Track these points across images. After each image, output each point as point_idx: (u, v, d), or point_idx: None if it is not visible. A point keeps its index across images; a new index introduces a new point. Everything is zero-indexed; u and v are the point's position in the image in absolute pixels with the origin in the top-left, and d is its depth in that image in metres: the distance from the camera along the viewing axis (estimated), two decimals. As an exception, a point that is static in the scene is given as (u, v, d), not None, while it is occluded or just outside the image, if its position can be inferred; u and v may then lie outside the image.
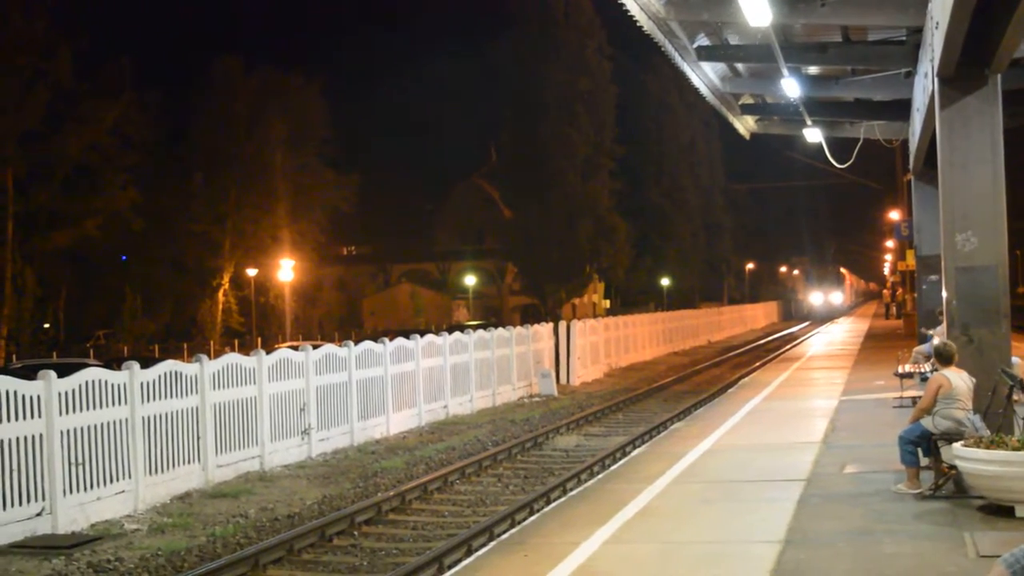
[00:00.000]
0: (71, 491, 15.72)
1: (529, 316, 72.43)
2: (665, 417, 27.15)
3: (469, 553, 13.26)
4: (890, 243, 79.60)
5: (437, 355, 28.65)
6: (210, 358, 19.94)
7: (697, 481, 14.47)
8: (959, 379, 12.29)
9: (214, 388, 19.34)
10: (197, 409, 18.82)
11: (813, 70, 27.54)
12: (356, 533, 15.44)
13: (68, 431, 15.81)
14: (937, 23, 14.56)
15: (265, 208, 71.48)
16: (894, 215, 57.85)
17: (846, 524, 11.34)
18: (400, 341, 27.10)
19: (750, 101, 33.45)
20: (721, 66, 28.30)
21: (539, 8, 70.54)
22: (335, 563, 14.00)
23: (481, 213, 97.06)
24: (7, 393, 14.90)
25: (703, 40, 25.45)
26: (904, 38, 22.65)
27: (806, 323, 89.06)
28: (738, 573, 9.86)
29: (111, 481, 16.57)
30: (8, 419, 14.84)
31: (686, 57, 25.89)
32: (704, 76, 28.26)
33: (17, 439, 14.95)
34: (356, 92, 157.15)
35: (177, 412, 18.31)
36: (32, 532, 14.89)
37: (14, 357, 49.21)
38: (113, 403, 16.83)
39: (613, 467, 17.56)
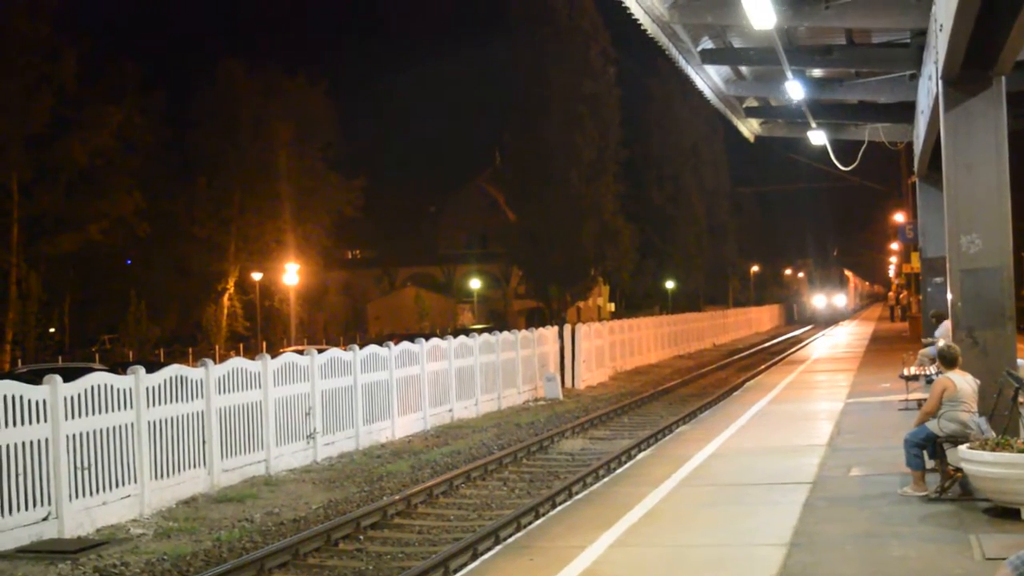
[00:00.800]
0: (77, 495, 15.74)
1: (534, 319, 72.43)
2: (670, 420, 27.14)
3: (475, 557, 13.27)
4: (895, 245, 79.48)
5: (442, 359, 28.66)
6: (215, 362, 19.94)
7: (703, 484, 14.47)
8: (963, 381, 12.28)
9: (219, 392, 19.35)
10: (202, 413, 18.83)
11: (817, 72, 27.55)
12: (362, 537, 15.45)
13: (74, 435, 15.83)
14: (941, 25, 14.57)
15: (269, 212, 71.46)
16: (899, 217, 57.76)
17: (852, 527, 11.34)
18: (405, 345, 27.11)
19: (754, 104, 33.47)
20: (725, 69, 28.33)
21: (543, 11, 70.49)
22: (341, 567, 14.01)
23: (486, 216, 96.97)
24: (13, 398, 14.93)
25: (707, 43, 25.48)
26: (908, 40, 22.67)
27: (808, 327, 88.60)
28: (744, 576, 9.87)
29: (117, 486, 16.59)
30: (14, 423, 14.86)
31: (690, 60, 25.91)
32: (708, 79, 28.28)
33: (23, 444, 14.97)
34: (360, 95, 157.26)
35: (182, 416, 18.32)
36: (38, 536, 14.91)
37: (19, 362, 49.27)
38: (119, 408, 16.85)
39: (618, 471, 17.56)
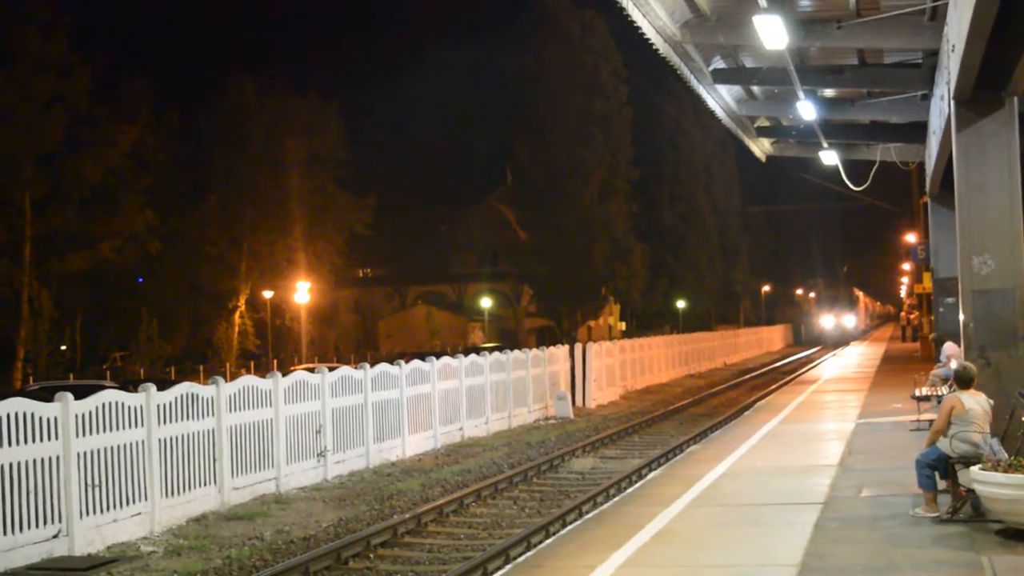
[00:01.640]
0: (88, 513, 15.74)
1: (545, 338, 72.32)
2: (681, 440, 27.09)
3: (485, 576, 13.26)
4: (907, 266, 79.37)
5: (453, 377, 28.64)
6: (226, 380, 19.94)
7: (713, 504, 14.43)
8: (974, 402, 12.22)
9: (230, 410, 19.35)
10: (213, 431, 18.83)
11: (829, 92, 27.59)
12: (372, 556, 15.43)
13: (85, 453, 15.84)
14: (953, 46, 14.58)
15: (281, 230, 71.54)
16: (911, 238, 57.76)
17: (863, 548, 11.31)
18: (416, 363, 27.10)
19: (766, 123, 33.53)
20: (737, 89, 28.39)
21: (555, 31, 70.65)
22: (351, 586, 13.99)
23: (497, 235, 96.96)
24: (24, 415, 14.95)
25: (719, 63, 25.54)
26: (920, 61, 22.70)
27: (816, 348, 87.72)
28: (755, 597, 9.84)
29: (127, 503, 16.59)
30: (25, 441, 14.88)
31: (702, 80, 25.97)
32: (720, 99, 28.33)
33: (34, 461, 14.99)
34: (372, 113, 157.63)
35: (193, 434, 18.32)
36: (49, 554, 14.90)
37: (31, 379, 49.33)
38: (130, 425, 16.86)
39: (629, 490, 17.53)
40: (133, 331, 64.69)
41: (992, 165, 14.74)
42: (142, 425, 17.10)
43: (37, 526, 14.89)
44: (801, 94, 24.77)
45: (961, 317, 15.52)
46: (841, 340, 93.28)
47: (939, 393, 20.29)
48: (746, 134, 33.60)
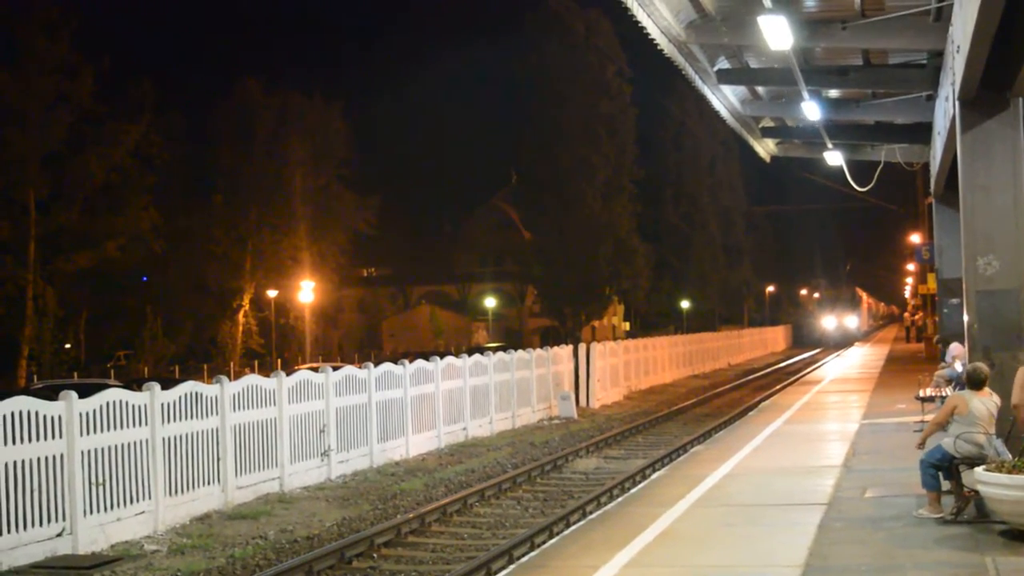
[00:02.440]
0: (92, 511, 15.76)
1: (549, 338, 72.35)
2: (685, 440, 27.07)
3: (489, 576, 13.26)
4: (911, 266, 79.30)
5: (457, 377, 28.64)
6: (230, 379, 19.96)
7: (717, 505, 14.43)
8: (979, 403, 12.17)
9: (234, 409, 19.36)
10: (217, 430, 18.84)
11: (834, 93, 27.58)
12: (375, 555, 15.43)
13: (89, 451, 15.86)
14: (958, 47, 14.57)
15: (285, 229, 71.60)
16: (915, 238, 57.70)
17: (867, 549, 11.30)
18: (420, 363, 27.11)
19: (770, 124, 33.51)
20: (741, 89, 28.38)
21: (560, 31, 70.62)
22: (354, 585, 13.99)
23: (501, 235, 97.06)
24: (29, 413, 14.96)
25: (723, 63, 25.54)
26: (925, 61, 22.69)
27: (817, 350, 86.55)
28: (758, 598, 9.84)
29: (131, 502, 16.60)
30: (30, 439, 14.90)
31: (706, 80, 25.96)
32: (724, 99, 28.33)
33: (38, 459, 15.00)
34: (376, 113, 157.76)
35: (197, 433, 18.33)
36: (53, 552, 14.92)
37: (35, 378, 49.35)
38: (134, 424, 16.87)
39: (633, 490, 17.52)
40: (137, 330, 64.78)
41: (997, 166, 14.73)
42: (146, 424, 17.11)
43: (41, 524, 14.90)
44: (806, 95, 24.76)
45: (966, 318, 15.51)
46: (843, 342, 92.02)
47: (943, 394, 20.27)
48: (750, 134, 33.59)
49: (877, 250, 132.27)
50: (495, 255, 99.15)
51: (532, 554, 12.98)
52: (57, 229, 55.96)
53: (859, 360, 56.28)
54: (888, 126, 30.75)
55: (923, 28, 19.32)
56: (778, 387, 42.36)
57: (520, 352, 33.81)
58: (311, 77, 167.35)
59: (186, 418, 18.10)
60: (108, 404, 16.41)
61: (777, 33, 18.13)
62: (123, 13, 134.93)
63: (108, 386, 20.73)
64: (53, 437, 15.28)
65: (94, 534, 15.67)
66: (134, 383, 28.00)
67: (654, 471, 21.17)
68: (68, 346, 60.83)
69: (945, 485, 12.46)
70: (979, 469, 11.48)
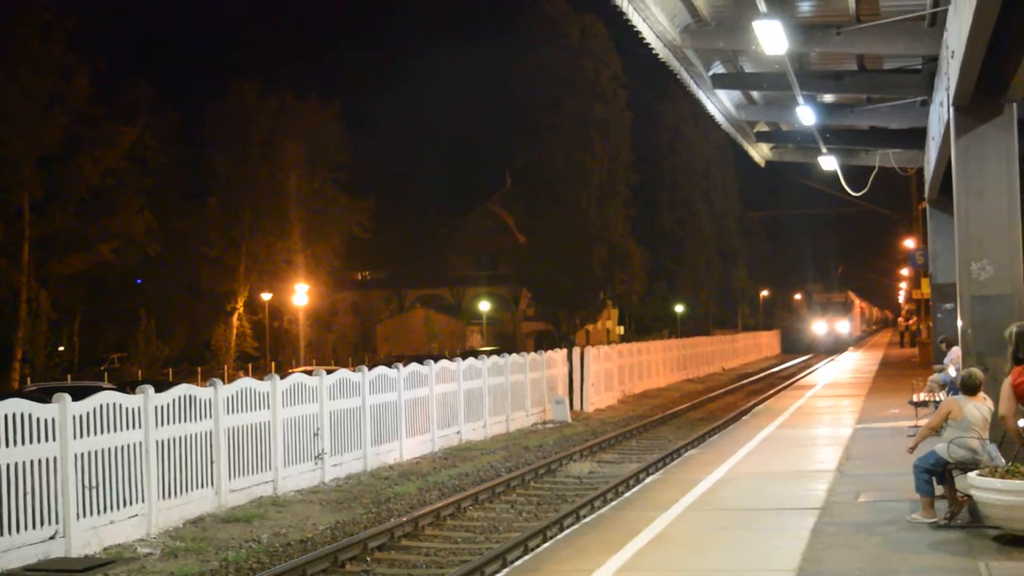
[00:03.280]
0: (84, 514, 15.74)
1: (543, 342, 72.31)
2: (679, 444, 27.09)
3: (482, 580, 13.24)
4: (905, 271, 79.29)
5: (451, 381, 28.63)
6: (224, 382, 19.94)
7: (711, 509, 14.43)
8: (974, 408, 12.16)
9: (228, 412, 19.35)
10: (211, 433, 18.83)
11: (828, 98, 27.58)
12: (369, 559, 15.42)
13: (82, 454, 15.84)
14: (953, 52, 14.59)
15: (279, 232, 71.54)
16: (909, 243, 57.75)
17: (861, 553, 11.30)
18: (414, 366, 27.10)
19: (765, 129, 33.52)
20: (736, 94, 28.38)
21: (555, 35, 70.63)
22: (347, 589, 13.97)
23: (495, 238, 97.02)
24: (22, 416, 14.94)
25: (718, 68, 25.55)
26: (919, 67, 22.70)
27: (808, 355, 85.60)
28: (752, 602, 9.83)
29: (124, 505, 16.59)
30: (22, 442, 14.87)
31: (701, 84, 25.96)
32: (719, 103, 28.33)
33: (31, 462, 14.98)
34: (371, 116, 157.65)
35: (191, 436, 18.32)
36: (45, 555, 14.89)
37: (29, 380, 49.26)
38: (127, 427, 16.85)
39: (626, 494, 17.50)
40: (131, 333, 64.64)
41: (991, 171, 14.74)
42: (140, 427, 17.10)
43: (34, 527, 14.88)
44: (800, 99, 24.78)
45: (959, 323, 15.51)
46: (834, 348, 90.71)
47: (936, 399, 20.27)
48: (745, 139, 33.60)
49: (871, 255, 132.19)
50: (489, 258, 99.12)
51: (526, 558, 12.97)
52: (51, 231, 55.96)
53: (853, 365, 56.27)
54: (883, 131, 30.74)
55: (918, 33, 19.33)
56: (772, 391, 42.39)
57: (514, 356, 33.81)
58: (306, 80, 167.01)
59: (180, 421, 18.08)
60: (101, 407, 16.40)
61: (772, 38, 18.15)
62: (118, 15, 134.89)
63: (102, 389, 20.70)
64: (46, 440, 15.26)
65: (87, 537, 15.65)
66: (128, 386, 27.94)
67: (648, 475, 21.17)
68: (62, 348, 60.75)
69: (939, 490, 12.46)
70: (973, 474, 11.48)
